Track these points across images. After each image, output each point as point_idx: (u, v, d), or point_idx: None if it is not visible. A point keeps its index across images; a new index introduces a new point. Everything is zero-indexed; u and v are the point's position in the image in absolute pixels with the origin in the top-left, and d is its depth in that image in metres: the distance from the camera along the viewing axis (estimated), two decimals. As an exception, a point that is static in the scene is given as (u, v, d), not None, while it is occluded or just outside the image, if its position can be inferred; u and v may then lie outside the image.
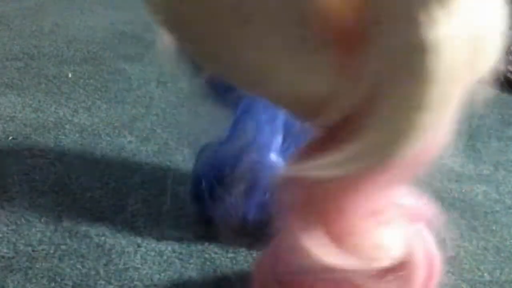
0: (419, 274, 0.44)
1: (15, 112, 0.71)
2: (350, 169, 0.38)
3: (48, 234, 0.51)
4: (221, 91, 0.50)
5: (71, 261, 0.49)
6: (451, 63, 0.35)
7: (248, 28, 0.37)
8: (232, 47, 0.38)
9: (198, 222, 0.53)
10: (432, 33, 0.34)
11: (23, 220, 0.52)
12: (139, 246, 0.50)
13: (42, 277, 0.47)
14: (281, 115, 0.51)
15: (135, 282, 0.47)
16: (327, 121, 0.38)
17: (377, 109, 0.36)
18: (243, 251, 0.50)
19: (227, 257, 0.49)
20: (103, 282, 0.47)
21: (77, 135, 0.67)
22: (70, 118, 0.70)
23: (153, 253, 0.50)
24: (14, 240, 0.50)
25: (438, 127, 0.38)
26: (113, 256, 0.49)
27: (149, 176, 0.59)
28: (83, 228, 0.52)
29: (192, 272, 0.48)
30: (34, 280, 0.47)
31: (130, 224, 0.52)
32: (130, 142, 0.66)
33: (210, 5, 0.37)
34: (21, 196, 0.55)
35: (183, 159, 0.63)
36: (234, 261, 0.49)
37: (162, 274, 0.48)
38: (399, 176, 0.40)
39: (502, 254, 0.51)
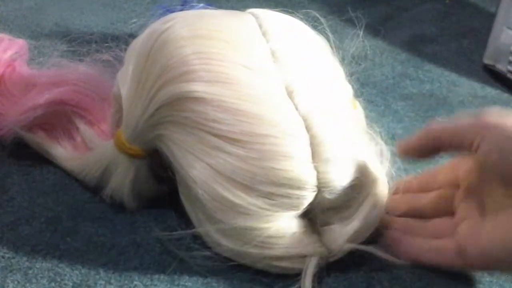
0: None
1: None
2: None
3: (48, 234, 0.51)
4: None
5: (71, 261, 0.49)
6: None
7: None
8: None
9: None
10: None
11: (23, 220, 0.52)
12: (139, 246, 0.50)
13: (42, 277, 0.47)
14: None
15: (135, 282, 0.47)
16: None
17: None
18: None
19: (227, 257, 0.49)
20: (103, 282, 0.47)
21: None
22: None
23: (153, 253, 0.50)
24: (14, 240, 0.50)
25: None
26: (113, 256, 0.49)
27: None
28: (83, 228, 0.52)
29: (192, 271, 0.48)
30: (34, 280, 0.47)
31: (130, 224, 0.52)
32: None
33: None
34: (21, 196, 0.55)
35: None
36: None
37: (162, 274, 0.48)
38: None
39: (502, 254, 0.51)
